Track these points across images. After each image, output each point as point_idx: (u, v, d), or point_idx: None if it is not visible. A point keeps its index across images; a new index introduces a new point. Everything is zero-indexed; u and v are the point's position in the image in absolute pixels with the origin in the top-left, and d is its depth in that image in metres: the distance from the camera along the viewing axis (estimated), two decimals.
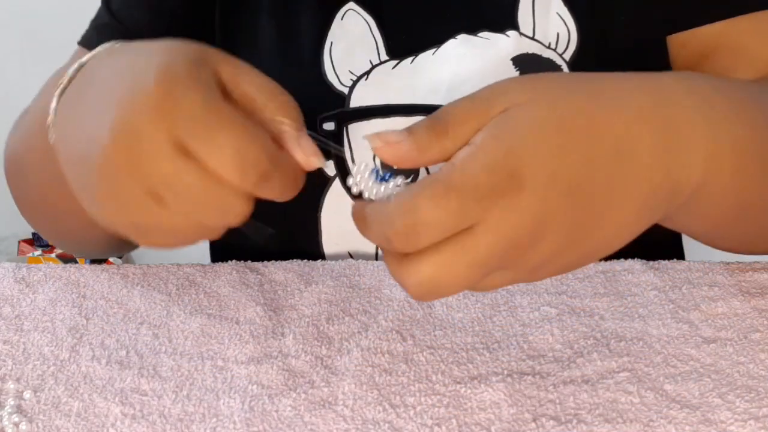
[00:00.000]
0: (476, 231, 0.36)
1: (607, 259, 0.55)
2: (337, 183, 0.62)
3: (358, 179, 0.42)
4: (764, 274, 0.52)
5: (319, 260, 0.58)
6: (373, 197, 0.41)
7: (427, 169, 0.59)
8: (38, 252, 2.41)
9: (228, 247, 0.69)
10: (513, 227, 0.36)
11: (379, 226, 0.37)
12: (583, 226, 0.37)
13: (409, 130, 0.38)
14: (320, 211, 0.63)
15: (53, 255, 2.39)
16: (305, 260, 0.58)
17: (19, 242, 2.45)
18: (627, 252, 0.57)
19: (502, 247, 0.36)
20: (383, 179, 0.42)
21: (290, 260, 0.58)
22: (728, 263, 0.54)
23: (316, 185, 0.62)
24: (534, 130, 0.36)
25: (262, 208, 0.65)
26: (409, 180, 0.43)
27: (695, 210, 0.43)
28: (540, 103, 0.37)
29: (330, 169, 0.62)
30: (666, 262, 0.55)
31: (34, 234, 2.44)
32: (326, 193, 0.62)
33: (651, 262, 0.55)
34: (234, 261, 0.58)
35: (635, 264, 0.55)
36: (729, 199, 0.44)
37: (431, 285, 0.36)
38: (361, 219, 0.38)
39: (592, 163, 0.37)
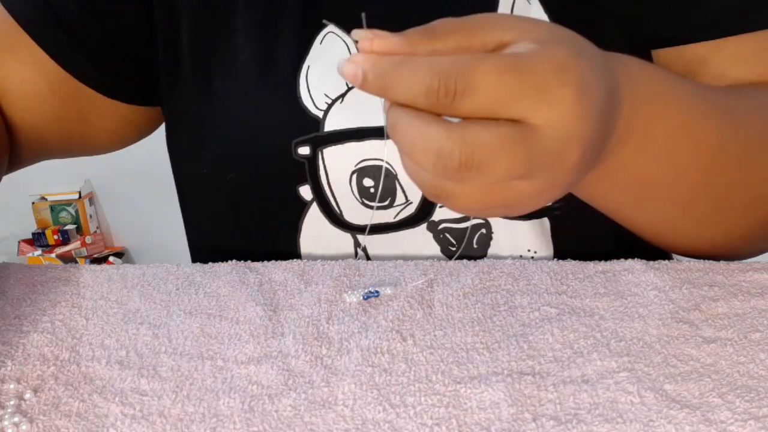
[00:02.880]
0: (532, 124, 0.36)
1: (607, 259, 0.55)
2: (314, 207, 0.62)
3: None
4: (764, 274, 0.52)
5: (319, 260, 0.58)
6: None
7: None
8: (38, 252, 2.41)
9: (211, 250, 0.68)
10: (565, 132, 0.36)
11: (427, 72, 0.35)
12: (592, 152, 0.40)
13: (403, 34, 0.38)
14: (299, 234, 0.63)
15: (53, 255, 2.40)
16: (305, 260, 0.58)
17: (19, 242, 2.46)
18: (627, 252, 0.57)
19: (551, 148, 0.36)
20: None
21: (290, 260, 0.58)
22: (728, 263, 0.54)
23: (293, 209, 0.62)
24: (583, 54, 0.39)
25: (242, 231, 0.65)
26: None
27: (599, 177, 0.47)
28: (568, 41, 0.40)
29: (307, 193, 0.62)
30: (666, 262, 0.55)
31: (34, 234, 2.45)
32: (304, 217, 0.62)
33: (651, 262, 0.55)
34: (234, 261, 0.58)
35: (635, 264, 0.55)
36: (629, 173, 0.48)
37: (483, 152, 0.35)
38: (396, 66, 0.37)
39: (610, 98, 0.40)
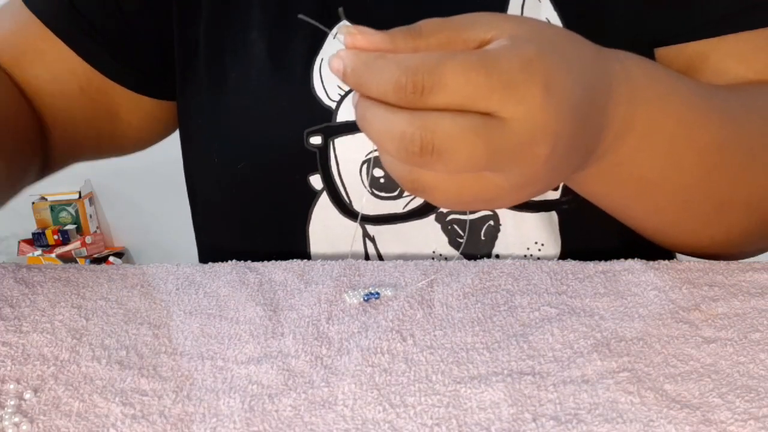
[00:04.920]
0: (501, 117, 0.37)
1: (607, 259, 0.56)
2: (324, 196, 0.62)
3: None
4: (764, 274, 0.52)
5: (319, 260, 0.58)
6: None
7: None
8: (38, 252, 2.41)
9: (216, 250, 0.69)
10: (532, 126, 0.37)
11: (396, 69, 0.37)
12: (570, 148, 0.40)
13: (387, 32, 0.39)
14: (308, 224, 0.63)
15: (53, 255, 2.39)
16: (305, 260, 0.58)
17: (19, 242, 2.45)
18: (627, 252, 0.57)
19: (518, 141, 0.37)
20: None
21: (290, 260, 0.58)
22: (728, 263, 0.54)
23: (303, 199, 0.62)
24: (555, 51, 0.39)
25: (251, 222, 0.65)
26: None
27: (600, 174, 0.48)
28: (552, 36, 0.41)
29: (317, 183, 0.62)
30: (666, 262, 0.55)
31: (34, 234, 2.44)
32: (314, 206, 0.62)
33: (651, 262, 0.55)
34: (234, 261, 0.58)
35: (635, 264, 0.55)
36: (630, 170, 0.49)
37: (443, 137, 0.36)
38: (370, 61, 0.38)
39: (591, 95, 0.41)
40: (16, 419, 0.43)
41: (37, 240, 2.44)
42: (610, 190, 0.51)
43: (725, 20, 0.57)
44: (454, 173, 0.38)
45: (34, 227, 2.46)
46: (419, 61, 0.36)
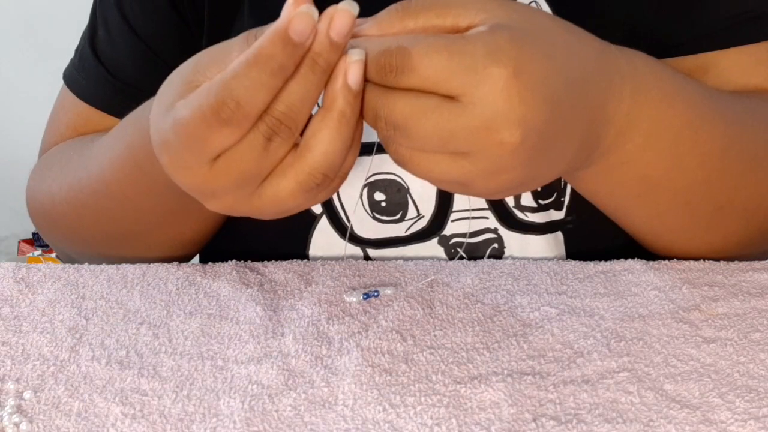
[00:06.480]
0: (460, 101, 0.37)
1: (607, 259, 0.55)
2: (324, 220, 0.61)
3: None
4: (764, 274, 0.52)
5: (319, 260, 0.58)
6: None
7: None
8: (38, 252, 2.41)
9: (218, 252, 0.68)
10: (492, 110, 0.37)
11: (376, 52, 0.38)
12: (548, 140, 0.40)
13: (374, 16, 0.40)
14: (308, 248, 0.62)
15: (53, 255, 2.39)
16: (305, 260, 0.58)
17: (19, 242, 2.45)
18: (627, 252, 0.57)
19: (475, 125, 0.38)
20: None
21: (290, 260, 0.58)
22: (728, 263, 0.54)
23: (303, 223, 0.62)
24: (536, 40, 0.39)
25: (250, 244, 0.64)
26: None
27: (604, 172, 0.48)
28: (537, 26, 0.41)
29: (317, 206, 0.61)
30: (666, 261, 0.55)
31: (34, 234, 2.44)
32: (314, 230, 0.62)
33: (651, 262, 0.55)
34: (234, 261, 0.58)
35: (635, 264, 0.55)
36: (634, 169, 0.49)
37: (399, 115, 0.38)
38: (359, 44, 0.39)
39: (570, 87, 0.40)
40: (16, 419, 0.43)
41: (37, 240, 2.44)
42: (613, 190, 0.51)
43: (726, 32, 0.57)
44: (418, 150, 0.39)
45: (33, 227, 2.45)
46: (395, 43, 0.38)
